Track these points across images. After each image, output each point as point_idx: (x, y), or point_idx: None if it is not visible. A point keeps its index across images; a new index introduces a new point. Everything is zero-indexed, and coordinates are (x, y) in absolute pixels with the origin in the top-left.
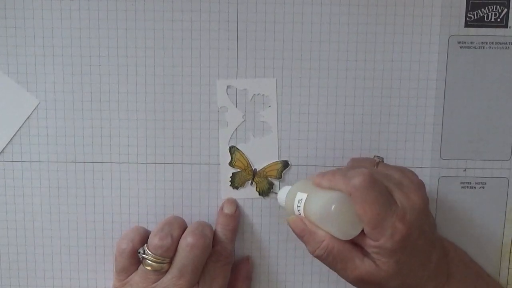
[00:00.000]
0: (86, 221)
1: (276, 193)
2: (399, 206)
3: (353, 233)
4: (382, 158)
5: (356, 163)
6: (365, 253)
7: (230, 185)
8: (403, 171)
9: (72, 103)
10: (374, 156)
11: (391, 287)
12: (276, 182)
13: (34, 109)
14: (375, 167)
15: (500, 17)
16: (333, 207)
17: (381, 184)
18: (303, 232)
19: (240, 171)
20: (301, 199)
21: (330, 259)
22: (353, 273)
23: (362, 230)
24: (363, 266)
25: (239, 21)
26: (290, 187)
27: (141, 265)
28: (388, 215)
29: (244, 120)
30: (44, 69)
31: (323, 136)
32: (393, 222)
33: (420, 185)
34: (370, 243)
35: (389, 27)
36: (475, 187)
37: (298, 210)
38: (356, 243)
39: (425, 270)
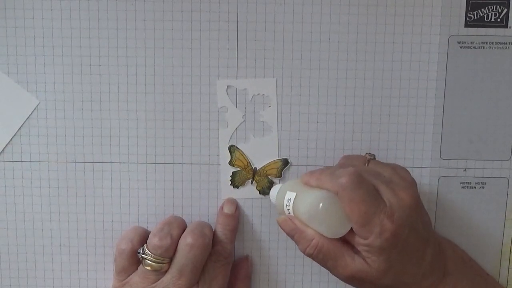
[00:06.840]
0: (86, 221)
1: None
2: (387, 204)
3: (342, 231)
4: (374, 156)
5: (346, 161)
6: (356, 251)
7: (230, 184)
8: (395, 168)
9: (72, 103)
10: (366, 153)
11: (384, 284)
12: (276, 181)
13: (34, 109)
14: (366, 164)
15: (500, 17)
16: (320, 205)
17: (368, 183)
18: (292, 231)
19: (240, 170)
20: (290, 198)
21: (321, 257)
22: (344, 271)
23: (352, 228)
24: (353, 264)
25: (239, 21)
26: (281, 185)
27: (141, 265)
28: (376, 213)
29: (244, 120)
30: (44, 69)
31: (323, 136)
32: (381, 220)
33: (412, 183)
34: (359, 241)
35: (389, 27)
36: (475, 187)
37: (288, 209)
38: (346, 241)
39: (420, 268)
